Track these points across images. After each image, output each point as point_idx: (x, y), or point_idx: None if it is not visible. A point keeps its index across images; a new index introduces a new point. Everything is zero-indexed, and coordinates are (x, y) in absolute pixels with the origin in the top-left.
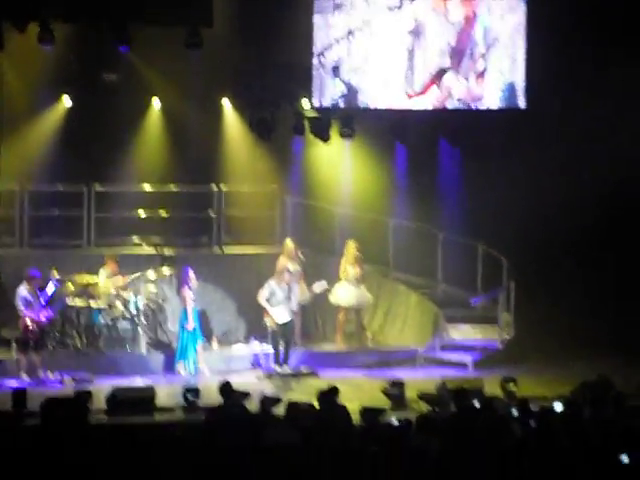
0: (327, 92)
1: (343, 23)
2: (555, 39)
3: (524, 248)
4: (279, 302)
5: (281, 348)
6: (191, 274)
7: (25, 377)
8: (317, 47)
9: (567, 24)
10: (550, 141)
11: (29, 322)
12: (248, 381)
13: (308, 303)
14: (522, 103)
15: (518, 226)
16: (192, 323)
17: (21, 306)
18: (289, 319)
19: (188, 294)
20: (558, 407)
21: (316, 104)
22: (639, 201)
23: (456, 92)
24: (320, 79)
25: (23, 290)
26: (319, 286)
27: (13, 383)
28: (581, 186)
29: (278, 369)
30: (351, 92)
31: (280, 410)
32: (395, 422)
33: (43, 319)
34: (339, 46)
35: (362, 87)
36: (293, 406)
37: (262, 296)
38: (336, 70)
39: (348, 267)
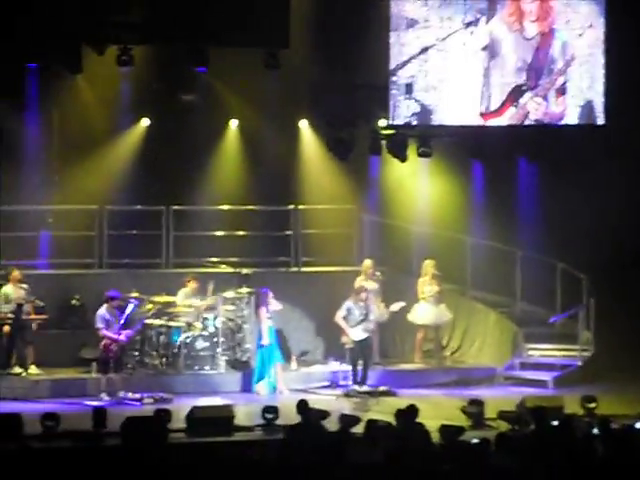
0: (400, 111)
1: (417, 40)
2: (635, 54)
3: (604, 265)
4: (356, 321)
5: (359, 367)
6: (270, 295)
7: (105, 397)
8: (391, 65)
9: None
10: (630, 157)
11: (109, 342)
12: (326, 400)
13: (386, 322)
14: (601, 119)
15: (598, 243)
16: (267, 339)
17: (101, 326)
18: (366, 337)
19: (264, 314)
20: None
21: (390, 123)
22: None
23: (533, 112)
24: (393, 98)
25: (103, 310)
26: (397, 306)
27: (93, 403)
28: None
29: (356, 388)
30: (424, 111)
31: (359, 429)
32: (475, 441)
33: (123, 339)
34: (412, 64)
35: (436, 106)
36: (373, 425)
37: (339, 315)
38: (409, 88)
39: (426, 286)
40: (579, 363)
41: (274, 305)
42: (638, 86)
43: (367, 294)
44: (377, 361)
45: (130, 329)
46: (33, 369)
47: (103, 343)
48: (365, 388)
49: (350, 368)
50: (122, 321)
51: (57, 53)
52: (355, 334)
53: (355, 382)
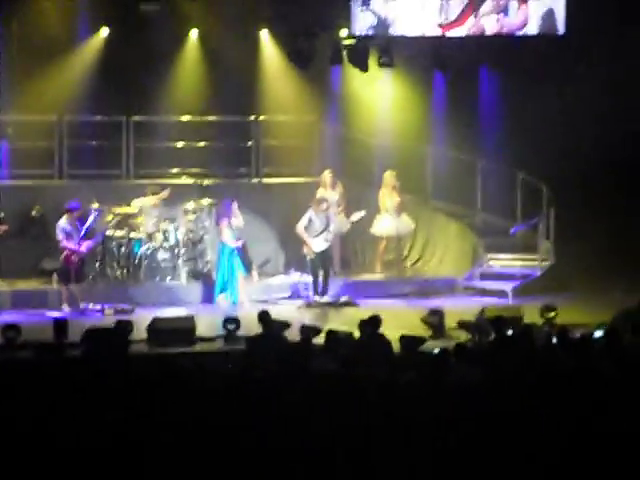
0: (358, 23)
1: None
2: None
3: (564, 175)
4: (317, 231)
5: (320, 278)
6: (234, 207)
7: (66, 308)
8: None
9: None
10: (590, 67)
11: (70, 253)
12: (288, 311)
13: (347, 233)
14: (561, 28)
15: (559, 153)
16: (232, 244)
17: (61, 238)
18: (326, 248)
19: (226, 225)
20: (599, 334)
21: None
22: None
23: (492, 22)
24: (352, 9)
25: (63, 222)
26: (357, 216)
27: (54, 314)
28: (622, 109)
29: (317, 299)
30: (382, 23)
31: (319, 340)
32: (435, 351)
33: (83, 250)
34: None
35: (394, 18)
36: (332, 335)
37: (300, 225)
38: (366, 0)
39: (387, 198)
40: (539, 273)
41: (237, 220)
42: None
43: (328, 205)
44: (338, 271)
45: (90, 240)
46: None
47: (64, 255)
48: (326, 298)
49: (311, 279)
50: (82, 232)
51: None
52: (316, 245)
53: (316, 293)
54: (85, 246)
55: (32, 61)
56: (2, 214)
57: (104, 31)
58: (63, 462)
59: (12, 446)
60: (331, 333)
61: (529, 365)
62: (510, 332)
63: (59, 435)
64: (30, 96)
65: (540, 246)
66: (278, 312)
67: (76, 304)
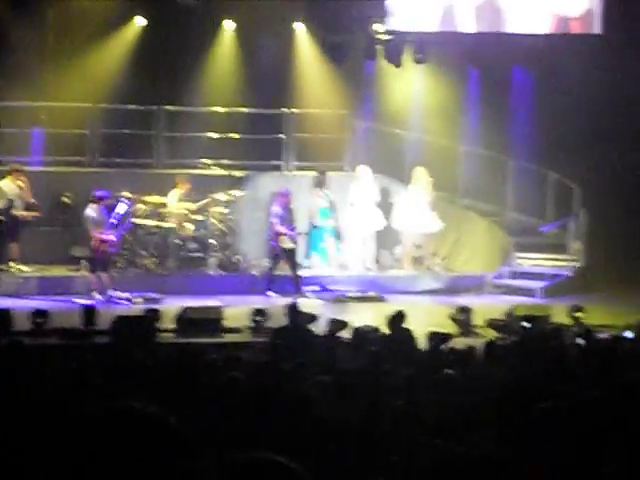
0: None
1: None
2: None
3: (596, 176)
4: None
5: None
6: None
7: (97, 295)
8: None
9: None
10: (625, 67)
11: (98, 242)
12: (314, 304)
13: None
14: (597, 29)
15: (590, 153)
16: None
17: (90, 226)
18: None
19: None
20: (628, 335)
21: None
22: None
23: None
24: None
25: (91, 211)
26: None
27: (83, 301)
28: None
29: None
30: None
31: (346, 334)
32: (461, 347)
33: (113, 239)
34: None
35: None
36: (360, 330)
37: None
38: None
39: (417, 193)
40: (568, 273)
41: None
42: None
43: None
44: (368, 267)
45: (120, 229)
46: (21, 266)
47: (93, 243)
48: (355, 293)
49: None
50: (114, 221)
51: None
52: (286, 243)
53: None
54: (114, 235)
55: (67, 49)
56: (34, 201)
57: (139, 20)
58: (86, 449)
59: (35, 430)
60: (357, 329)
61: (555, 363)
62: (539, 331)
63: (84, 420)
64: (64, 84)
65: (570, 246)
66: (305, 305)
67: (104, 292)
